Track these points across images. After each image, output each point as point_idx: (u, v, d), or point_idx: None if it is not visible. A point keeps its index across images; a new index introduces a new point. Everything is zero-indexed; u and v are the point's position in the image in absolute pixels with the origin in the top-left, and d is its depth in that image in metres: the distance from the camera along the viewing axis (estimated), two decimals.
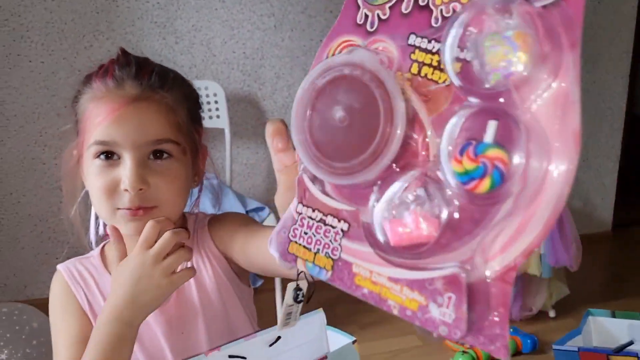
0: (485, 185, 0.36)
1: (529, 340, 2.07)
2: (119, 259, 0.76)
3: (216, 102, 2.32)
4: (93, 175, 0.76)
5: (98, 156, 0.76)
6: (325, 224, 0.44)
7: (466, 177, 0.37)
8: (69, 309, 0.83)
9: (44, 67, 2.27)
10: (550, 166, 0.35)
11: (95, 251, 0.88)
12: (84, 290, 0.84)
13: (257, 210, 2.07)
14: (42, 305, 1.95)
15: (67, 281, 0.84)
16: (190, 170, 0.81)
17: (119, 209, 0.76)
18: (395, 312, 0.42)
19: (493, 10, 0.36)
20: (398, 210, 0.40)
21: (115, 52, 0.82)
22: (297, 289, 0.54)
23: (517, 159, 0.35)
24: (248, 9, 2.44)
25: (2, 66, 2.23)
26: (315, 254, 0.44)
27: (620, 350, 0.93)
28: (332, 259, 0.44)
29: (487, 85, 0.37)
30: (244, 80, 2.49)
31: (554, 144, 0.35)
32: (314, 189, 0.44)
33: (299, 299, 0.56)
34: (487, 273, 0.38)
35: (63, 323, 0.82)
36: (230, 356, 0.70)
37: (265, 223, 2.02)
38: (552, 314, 2.32)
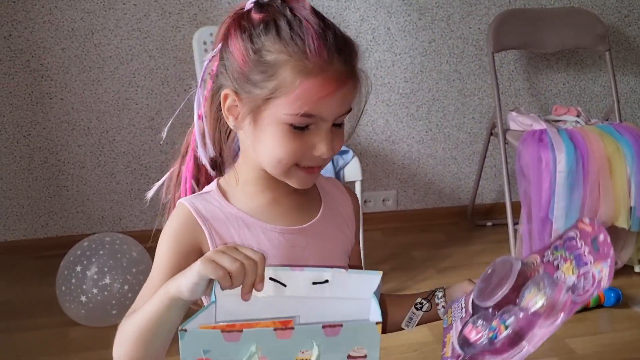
0: None
1: (612, 294, 2.02)
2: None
3: None
4: (281, 138, 0.78)
5: (292, 124, 0.77)
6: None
7: None
8: (183, 243, 0.83)
9: (136, 10, 2.35)
10: None
11: (212, 186, 0.88)
12: (212, 223, 0.84)
13: (342, 153, 2.09)
14: (136, 236, 2.09)
15: (193, 215, 0.84)
16: None
17: (296, 165, 0.80)
18: None
19: None
20: None
21: None
22: (425, 300, 0.92)
23: None
24: None
25: (98, 9, 2.32)
26: None
27: None
28: None
29: None
30: None
31: None
32: None
33: (423, 308, 0.91)
34: None
35: (169, 254, 0.83)
36: (270, 278, 0.72)
37: (349, 166, 2.05)
38: (637, 268, 2.25)
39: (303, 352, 0.65)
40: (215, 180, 0.89)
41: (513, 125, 2.34)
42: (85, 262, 1.88)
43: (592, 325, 1.96)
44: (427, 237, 2.59)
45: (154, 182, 2.79)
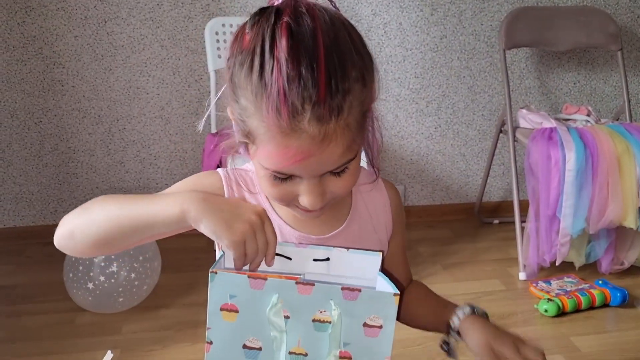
0: None
1: (618, 294, 2.01)
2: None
3: None
4: (266, 181, 0.71)
5: (274, 175, 0.70)
6: None
7: None
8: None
9: None
10: None
11: (251, 165, 0.82)
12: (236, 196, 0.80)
13: None
14: None
15: (222, 184, 0.80)
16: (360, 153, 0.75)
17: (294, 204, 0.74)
18: None
19: None
20: None
21: None
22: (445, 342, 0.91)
23: None
24: None
25: None
26: None
27: None
28: None
29: None
30: None
31: None
32: None
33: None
34: None
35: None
36: (277, 253, 0.73)
37: None
38: None
39: (321, 312, 0.66)
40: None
41: (523, 123, 2.33)
42: None
43: (598, 324, 1.95)
44: (434, 233, 2.59)
45: (163, 172, 2.80)
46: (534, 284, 2.11)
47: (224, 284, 0.67)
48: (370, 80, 0.68)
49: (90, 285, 1.88)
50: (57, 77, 2.39)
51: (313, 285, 0.66)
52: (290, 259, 0.75)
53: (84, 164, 2.49)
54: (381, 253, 0.76)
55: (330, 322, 0.67)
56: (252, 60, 0.65)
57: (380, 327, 0.67)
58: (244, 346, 0.68)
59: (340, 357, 0.68)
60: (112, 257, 1.88)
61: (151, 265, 1.95)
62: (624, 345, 1.83)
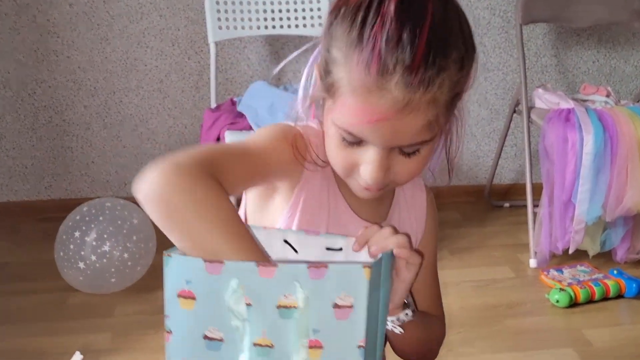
0: None
1: (634, 285, 1.92)
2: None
3: None
4: (334, 145, 0.69)
5: (343, 137, 0.67)
6: None
7: None
8: (280, 159, 0.72)
9: None
10: None
11: (316, 125, 0.77)
12: (307, 177, 0.74)
13: None
14: None
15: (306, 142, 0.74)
16: (436, 143, 0.72)
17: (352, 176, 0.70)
18: None
19: None
20: None
21: None
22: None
23: None
24: None
25: None
26: None
27: None
28: None
29: None
30: None
31: None
32: None
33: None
34: None
35: (270, 145, 0.71)
36: (285, 241, 0.69)
37: None
38: None
39: (286, 297, 0.60)
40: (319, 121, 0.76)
41: (538, 103, 2.22)
42: (84, 228, 1.82)
43: (611, 316, 1.87)
44: (441, 216, 2.45)
45: (161, 147, 2.71)
46: (545, 272, 2.03)
47: (179, 268, 0.61)
48: (469, 68, 0.67)
49: (82, 265, 1.81)
50: (52, 47, 2.29)
51: (276, 266, 0.60)
52: (297, 252, 0.70)
53: (79, 138, 2.40)
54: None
55: (296, 307, 0.60)
56: (355, 14, 0.63)
57: (351, 306, 0.59)
58: (205, 337, 0.62)
59: (310, 347, 0.60)
60: (105, 235, 1.81)
61: (145, 246, 1.87)
62: (639, 340, 1.75)
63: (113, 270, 1.82)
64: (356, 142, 0.66)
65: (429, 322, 0.80)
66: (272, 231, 0.70)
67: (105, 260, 1.81)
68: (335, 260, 0.70)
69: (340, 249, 0.70)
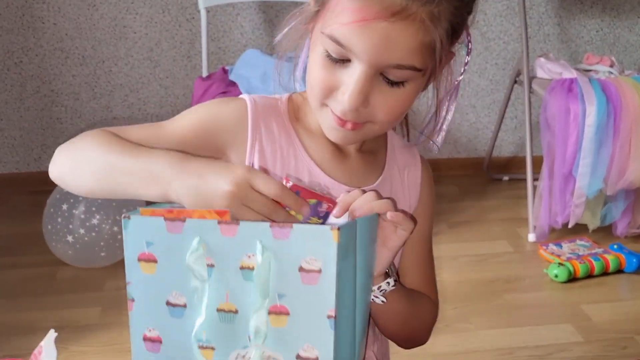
0: None
1: (634, 259, 1.89)
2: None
3: None
4: (317, 62, 0.66)
5: (328, 53, 0.64)
6: None
7: None
8: (216, 129, 0.71)
9: None
10: None
11: (283, 96, 0.76)
12: (262, 135, 0.71)
13: None
14: None
15: (247, 115, 0.71)
16: (421, 87, 0.69)
17: (327, 105, 0.66)
18: None
19: None
20: None
21: None
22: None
23: None
24: None
25: None
26: None
27: None
28: None
29: None
30: None
31: None
32: None
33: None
34: None
35: (196, 123, 0.71)
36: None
37: None
38: None
39: (249, 257, 0.56)
40: (289, 94, 0.76)
41: (540, 73, 2.15)
42: (72, 201, 1.77)
43: (611, 291, 1.84)
44: (439, 190, 2.43)
45: (152, 118, 2.64)
46: (544, 247, 1.99)
47: (139, 229, 0.59)
48: (469, 8, 0.66)
49: (70, 238, 1.77)
50: (37, 14, 2.21)
51: (238, 224, 0.56)
52: None
53: (68, 108, 2.34)
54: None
55: (257, 268, 0.56)
56: None
57: (319, 271, 0.54)
58: (168, 303, 0.59)
59: (276, 313, 0.56)
60: (93, 208, 1.77)
61: None
62: (639, 315, 1.73)
63: (102, 244, 1.78)
64: (341, 59, 0.63)
65: (415, 298, 0.75)
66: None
67: (94, 234, 1.77)
68: None
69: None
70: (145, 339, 0.61)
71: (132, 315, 0.61)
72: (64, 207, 1.77)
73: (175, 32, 2.29)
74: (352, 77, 0.63)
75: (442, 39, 0.63)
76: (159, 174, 0.61)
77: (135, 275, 0.59)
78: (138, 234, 0.59)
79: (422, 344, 0.80)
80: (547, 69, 2.13)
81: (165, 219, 0.58)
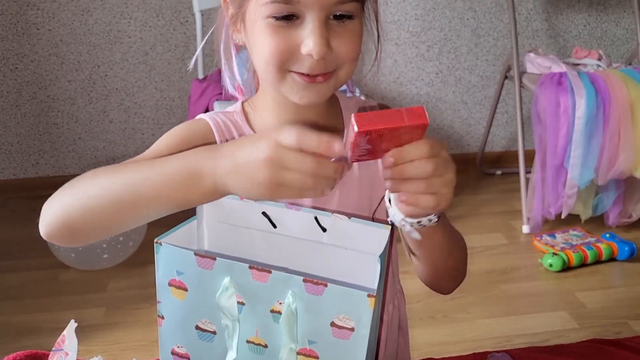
0: None
1: (626, 247, 1.93)
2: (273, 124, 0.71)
3: None
4: (264, 35, 0.66)
5: (273, 16, 0.65)
6: None
7: None
8: (186, 147, 0.67)
9: None
10: None
11: (237, 106, 0.78)
12: (227, 140, 0.74)
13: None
14: None
15: (212, 131, 0.74)
16: (362, 24, 0.72)
17: (291, 71, 0.67)
18: None
19: None
20: None
21: None
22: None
23: None
24: None
25: None
26: None
27: None
28: None
29: None
30: None
31: None
32: None
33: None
34: None
35: (171, 146, 0.71)
36: (263, 213, 0.66)
37: None
38: None
39: (280, 304, 0.57)
40: (240, 101, 0.79)
41: (530, 68, 2.19)
42: None
43: (604, 279, 1.88)
44: None
45: (149, 121, 2.66)
46: (538, 238, 2.03)
47: (169, 257, 0.59)
48: None
49: None
50: (32, 20, 2.23)
51: (270, 272, 0.56)
52: (275, 226, 0.66)
53: (64, 113, 2.36)
54: (390, 227, 0.64)
55: (290, 314, 0.57)
56: None
57: (352, 329, 0.55)
58: (197, 327, 0.60)
59: (306, 356, 0.58)
60: None
61: None
62: (631, 301, 1.76)
63: (105, 245, 1.80)
64: (289, 15, 0.65)
65: (449, 224, 0.73)
66: (250, 202, 0.66)
67: None
68: (321, 241, 0.65)
69: (325, 230, 0.65)
70: (174, 353, 0.62)
71: (162, 331, 0.61)
72: None
73: (170, 35, 2.31)
74: (308, 28, 0.65)
75: None
76: (199, 170, 0.58)
77: (166, 297, 0.60)
78: (169, 260, 0.59)
79: (464, 278, 0.79)
80: (536, 64, 2.17)
81: (196, 254, 0.57)
